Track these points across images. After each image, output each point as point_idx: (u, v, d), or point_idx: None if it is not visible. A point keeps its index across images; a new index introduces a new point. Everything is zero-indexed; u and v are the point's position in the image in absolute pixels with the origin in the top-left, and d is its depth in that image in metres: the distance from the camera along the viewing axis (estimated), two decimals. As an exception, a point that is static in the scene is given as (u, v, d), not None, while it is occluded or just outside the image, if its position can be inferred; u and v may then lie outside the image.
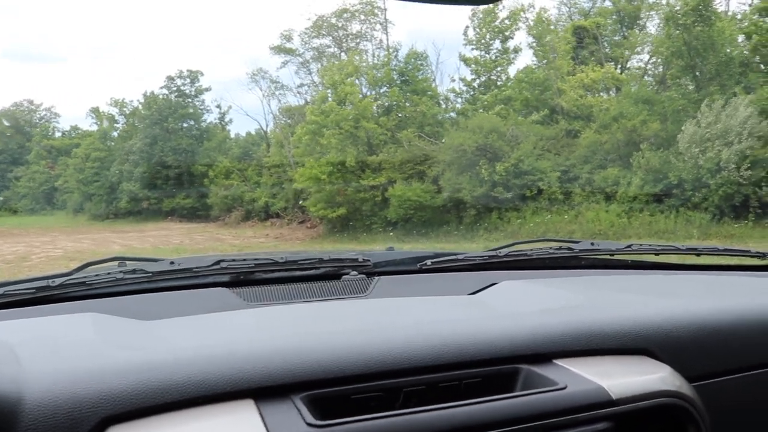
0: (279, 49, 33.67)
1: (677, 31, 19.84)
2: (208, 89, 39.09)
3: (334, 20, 32.06)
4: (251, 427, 1.00)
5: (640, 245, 2.20)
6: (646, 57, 24.52)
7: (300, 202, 26.91)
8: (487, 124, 21.38)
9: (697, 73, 19.74)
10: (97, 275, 1.71)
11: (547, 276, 2.01)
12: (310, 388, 1.10)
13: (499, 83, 25.82)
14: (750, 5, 21.80)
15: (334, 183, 24.05)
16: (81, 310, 1.54)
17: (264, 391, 1.08)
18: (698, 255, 2.25)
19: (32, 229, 32.53)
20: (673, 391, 1.24)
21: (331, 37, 32.73)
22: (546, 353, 1.28)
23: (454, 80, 27.32)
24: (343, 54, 31.65)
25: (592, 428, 1.14)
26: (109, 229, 33.32)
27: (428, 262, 1.99)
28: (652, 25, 26.13)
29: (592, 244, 2.19)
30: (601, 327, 1.38)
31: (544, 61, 24.22)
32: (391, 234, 22.23)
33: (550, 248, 2.15)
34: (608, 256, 2.22)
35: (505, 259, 2.06)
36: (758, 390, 1.52)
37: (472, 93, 26.10)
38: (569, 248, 2.13)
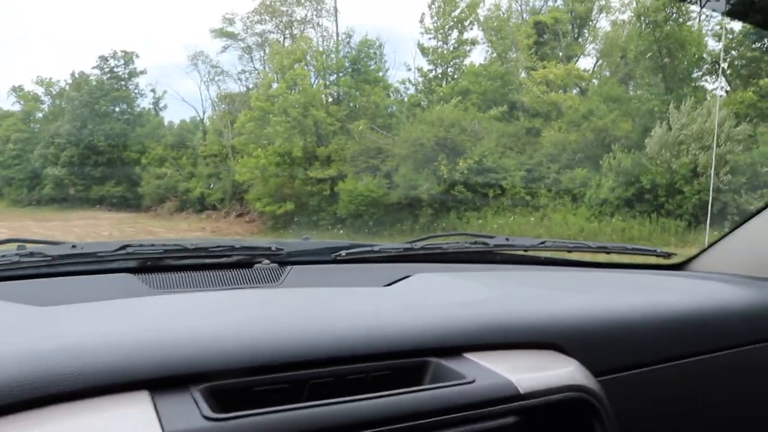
0: (220, 33, 30.66)
1: (647, 29, 18.15)
2: (143, 72, 35.58)
3: (278, 5, 29.32)
4: (144, 421, 0.90)
5: (554, 242, 2.18)
6: (606, 55, 22.74)
7: (243, 195, 24.21)
8: (448, 117, 19.23)
9: (667, 73, 18.10)
10: None
11: (461, 270, 2.00)
12: (210, 379, 1.01)
13: (456, 76, 23.70)
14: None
15: (280, 175, 21.48)
16: None
17: (160, 382, 0.98)
18: (608, 253, 2.23)
19: (-59, 214, 28.98)
20: (579, 385, 1.21)
21: (274, 23, 29.99)
22: (456, 347, 1.23)
23: (410, 69, 25.15)
24: (287, 41, 29.00)
25: (500, 422, 1.10)
26: (30, 216, 30.08)
27: (343, 252, 1.88)
28: (604, 27, 24.61)
29: (507, 239, 2.14)
30: (511, 321, 1.35)
31: (505, 55, 22.25)
32: (341, 231, 19.89)
33: (466, 242, 2.10)
34: (522, 252, 2.17)
35: (420, 252, 1.98)
36: (661, 385, 1.52)
37: (428, 85, 23.85)
38: (484, 243, 2.07)
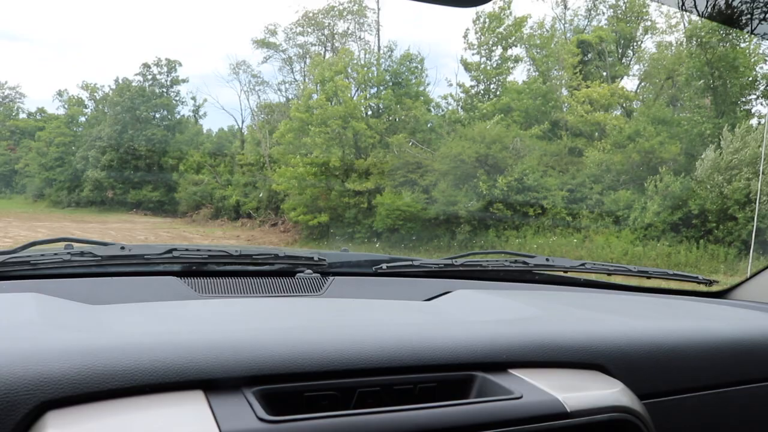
0: (262, 43, 30.71)
1: (699, 50, 17.48)
2: (185, 80, 35.95)
3: (320, 17, 29.20)
4: (200, 419, 0.92)
5: (594, 264, 2.13)
6: (653, 76, 22.04)
7: (279, 205, 23.91)
8: (490, 133, 18.72)
9: (719, 96, 17.39)
10: (43, 255, 1.59)
11: (500, 288, 1.96)
12: (263, 382, 1.03)
13: (498, 92, 23.19)
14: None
15: (317, 185, 21.14)
16: (24, 290, 1.43)
17: (215, 382, 1.00)
18: (649, 278, 2.18)
19: (-15, 213, 29.34)
20: (625, 406, 1.20)
21: (316, 35, 29.86)
22: (502, 362, 1.22)
23: (450, 84, 24.68)
24: (328, 53, 28.83)
25: None
26: (69, 218, 30.34)
27: (384, 266, 1.91)
28: (650, 47, 23.91)
29: (547, 259, 2.10)
30: (557, 340, 1.32)
31: (549, 73, 21.68)
32: (377, 245, 19.45)
33: (506, 261, 2.08)
34: (562, 273, 2.13)
35: (460, 268, 1.98)
36: (704, 411, 1.49)
37: (470, 101, 23.36)
38: (524, 262, 2.06)
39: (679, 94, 19.84)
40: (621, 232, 16.71)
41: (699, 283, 2.22)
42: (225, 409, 0.94)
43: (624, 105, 21.27)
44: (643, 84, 23.25)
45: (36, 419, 0.89)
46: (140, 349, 1.01)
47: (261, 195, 26.49)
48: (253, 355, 1.05)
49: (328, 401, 1.04)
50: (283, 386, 1.03)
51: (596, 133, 19.83)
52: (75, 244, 1.73)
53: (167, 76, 35.69)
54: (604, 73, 22.59)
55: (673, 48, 21.13)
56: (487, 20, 22.76)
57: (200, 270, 1.76)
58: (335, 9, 28.79)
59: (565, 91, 21.42)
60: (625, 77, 23.96)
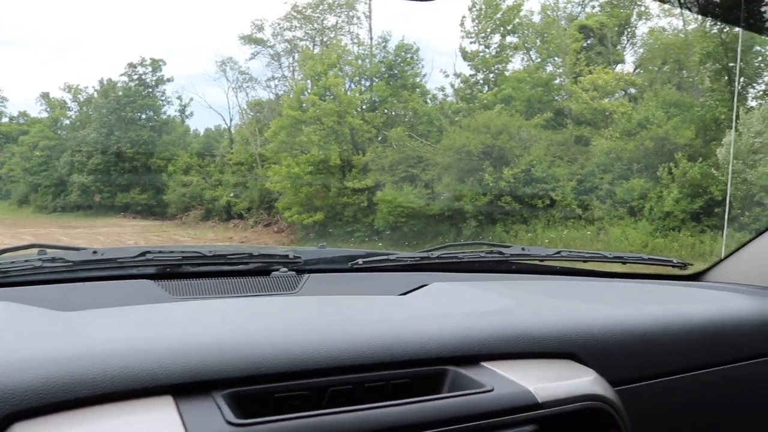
0: (249, 39, 29.20)
1: (713, 30, 16.27)
2: (170, 80, 34.28)
3: (309, 12, 27.78)
4: (168, 425, 0.89)
5: (569, 252, 2.11)
6: (659, 60, 20.85)
7: (272, 204, 22.52)
8: (495, 124, 17.44)
9: (735, 78, 16.22)
10: (13, 262, 1.53)
11: (477, 279, 1.95)
12: (233, 385, 1.00)
13: (497, 81, 21.90)
14: None
15: (314, 184, 19.76)
16: None
17: (183, 387, 0.97)
18: (624, 263, 2.17)
19: (-33, 220, 27.96)
20: (597, 395, 1.18)
21: (304, 30, 28.43)
22: (473, 355, 1.21)
23: (447, 75, 23.39)
24: (317, 47, 27.42)
25: (518, 430, 1.07)
26: (56, 223, 28.99)
27: (360, 261, 1.86)
28: (656, 30, 22.72)
29: (523, 249, 2.08)
30: (529, 330, 1.31)
31: (551, 60, 20.46)
32: (379, 244, 18.14)
33: (482, 252, 2.05)
34: (538, 262, 2.13)
35: (436, 261, 1.95)
36: (677, 395, 1.48)
37: (469, 91, 22.04)
38: (500, 252, 2.03)
39: (684, 78, 18.66)
40: (638, 223, 15.52)
41: (674, 266, 2.19)
42: (194, 413, 0.91)
43: (628, 91, 20.06)
44: (644, 69, 22.07)
45: None
46: (109, 355, 0.97)
47: (251, 194, 25.10)
48: (223, 357, 1.01)
49: (300, 401, 1.01)
50: (254, 388, 1.00)
51: (601, 121, 18.63)
52: (47, 250, 1.63)
53: (152, 75, 34.13)
54: (608, 58, 21.37)
55: (669, 31, 19.97)
56: (483, 7, 21.49)
57: (174, 272, 1.66)
58: (324, 2, 27.39)
59: (567, 78, 20.19)
60: (627, 62, 22.85)
